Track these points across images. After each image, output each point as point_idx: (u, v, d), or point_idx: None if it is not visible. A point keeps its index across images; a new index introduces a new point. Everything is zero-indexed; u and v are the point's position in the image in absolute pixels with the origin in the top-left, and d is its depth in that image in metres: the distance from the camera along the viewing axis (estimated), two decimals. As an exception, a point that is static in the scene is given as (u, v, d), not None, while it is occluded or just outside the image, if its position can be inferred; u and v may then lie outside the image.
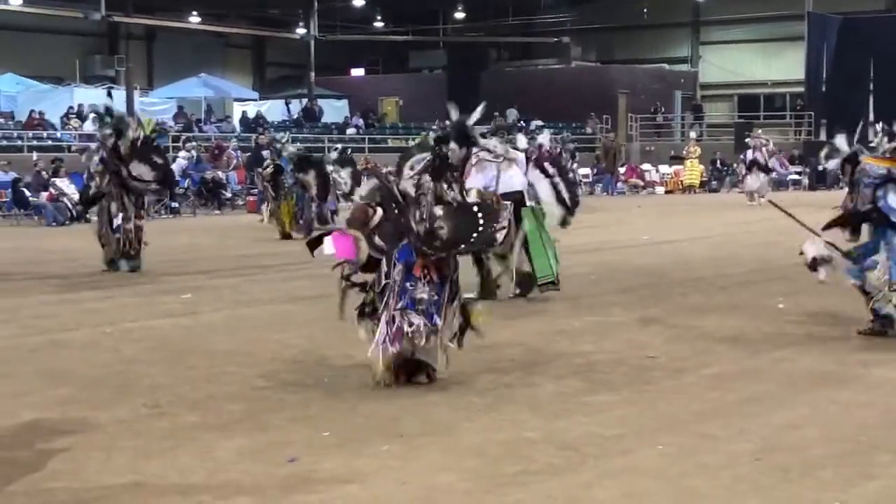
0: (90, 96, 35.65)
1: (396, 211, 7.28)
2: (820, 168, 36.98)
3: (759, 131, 30.38)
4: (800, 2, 40.52)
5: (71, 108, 33.90)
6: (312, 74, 42.97)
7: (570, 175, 11.60)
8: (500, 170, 11.08)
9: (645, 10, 45.01)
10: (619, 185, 35.77)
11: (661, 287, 12.12)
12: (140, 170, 13.79)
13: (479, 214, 7.33)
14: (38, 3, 37.58)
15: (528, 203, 11.13)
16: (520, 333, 9.23)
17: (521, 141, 12.03)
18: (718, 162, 37.28)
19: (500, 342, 8.81)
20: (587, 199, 31.51)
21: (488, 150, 10.82)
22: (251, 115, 37.87)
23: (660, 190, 35.87)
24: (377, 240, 7.25)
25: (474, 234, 7.31)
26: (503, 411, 6.60)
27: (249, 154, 28.35)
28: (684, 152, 36.13)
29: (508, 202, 10.84)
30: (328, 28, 44.13)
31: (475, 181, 10.74)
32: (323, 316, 8.91)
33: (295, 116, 40.54)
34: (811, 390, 7.22)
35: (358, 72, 49.38)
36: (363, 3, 44.67)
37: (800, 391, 7.18)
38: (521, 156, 11.73)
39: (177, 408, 6.74)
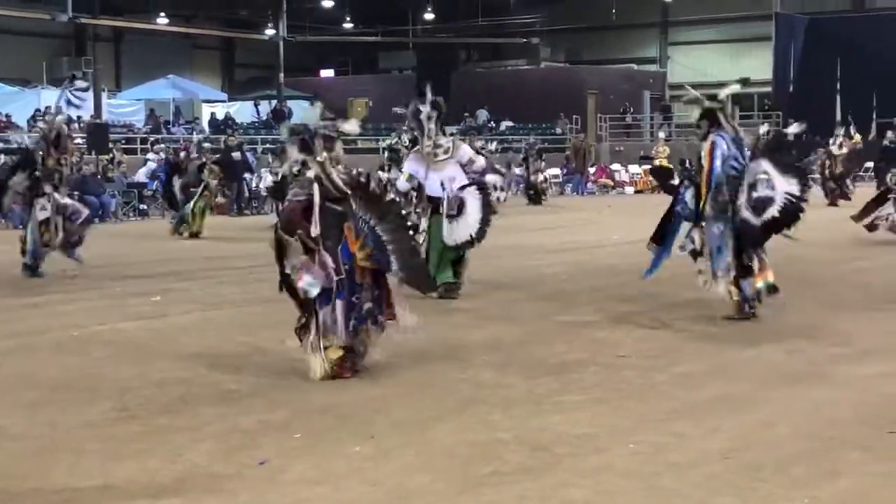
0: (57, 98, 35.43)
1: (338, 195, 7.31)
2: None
3: None
4: (767, 2, 40.83)
5: (38, 110, 33.61)
6: (282, 76, 42.86)
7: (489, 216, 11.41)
8: (429, 167, 11.14)
9: (613, 11, 45.10)
10: (589, 185, 35.86)
11: (631, 286, 12.10)
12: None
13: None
14: (4, 5, 37.29)
15: (440, 210, 11.14)
16: (492, 334, 9.22)
17: (493, 177, 12.03)
18: (687, 162, 37.32)
19: (472, 342, 8.81)
20: (557, 199, 31.66)
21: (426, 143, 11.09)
22: (220, 116, 37.74)
23: (629, 190, 35.97)
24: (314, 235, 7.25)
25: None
26: (475, 412, 6.58)
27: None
28: (653, 152, 36.24)
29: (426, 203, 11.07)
30: (297, 29, 44.00)
31: (408, 166, 11.34)
32: (293, 318, 8.86)
33: (264, 118, 40.42)
34: (782, 388, 7.24)
35: (327, 73, 49.29)
36: (332, 4, 44.61)
37: (771, 389, 7.20)
38: (480, 160, 11.77)
39: (147, 410, 6.69)
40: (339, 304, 7.26)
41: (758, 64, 43.25)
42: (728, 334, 9.08)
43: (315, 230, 7.21)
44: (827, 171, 26.37)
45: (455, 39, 47.74)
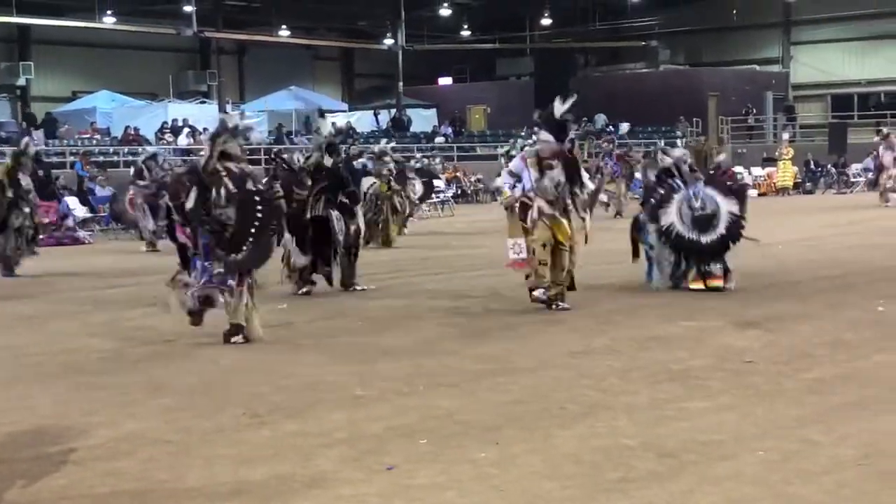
0: (184, 111, 36.32)
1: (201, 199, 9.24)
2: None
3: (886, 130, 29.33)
4: (894, -1, 39.86)
5: (165, 123, 34.55)
6: (401, 84, 43.24)
7: None
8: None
9: (734, 12, 44.51)
10: (711, 188, 35.32)
11: (756, 291, 11.95)
12: None
13: (260, 209, 9.29)
14: (131, 22, 38.41)
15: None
16: (614, 340, 9.19)
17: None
18: (812, 163, 36.69)
19: (594, 348, 8.79)
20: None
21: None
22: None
23: (752, 192, 35.38)
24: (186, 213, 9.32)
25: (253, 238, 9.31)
26: (600, 417, 6.57)
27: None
28: (777, 154, 35.64)
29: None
30: (415, 38, 44.41)
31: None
32: (426, 324, 8.94)
33: (384, 127, 40.81)
34: (915, 394, 7.07)
35: (446, 81, 49.57)
36: (450, 12, 44.89)
37: (903, 395, 7.03)
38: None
39: (276, 416, 6.82)
40: (198, 265, 9.39)
41: (885, 62, 42.33)
42: (859, 340, 8.89)
43: (188, 205, 9.28)
44: None
45: (573, 44, 47.56)
